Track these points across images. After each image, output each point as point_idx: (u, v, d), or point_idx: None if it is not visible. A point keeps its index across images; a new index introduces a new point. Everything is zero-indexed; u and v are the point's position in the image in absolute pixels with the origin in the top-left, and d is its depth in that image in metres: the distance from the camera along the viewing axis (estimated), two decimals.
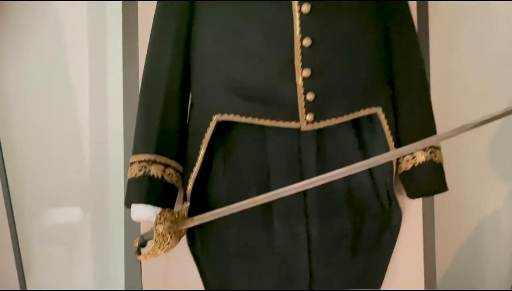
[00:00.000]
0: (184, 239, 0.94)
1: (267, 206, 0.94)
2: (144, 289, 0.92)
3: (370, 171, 0.97)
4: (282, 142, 0.94)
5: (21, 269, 0.91)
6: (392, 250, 1.00)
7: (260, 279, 0.97)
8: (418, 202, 1.03)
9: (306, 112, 0.87)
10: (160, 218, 0.84)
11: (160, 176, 0.88)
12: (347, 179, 0.96)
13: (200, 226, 0.94)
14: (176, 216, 0.87)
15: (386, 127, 0.93)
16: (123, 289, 0.95)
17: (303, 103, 0.87)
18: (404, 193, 0.99)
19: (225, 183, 0.94)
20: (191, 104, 0.95)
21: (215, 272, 0.97)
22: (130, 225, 0.96)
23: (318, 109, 0.88)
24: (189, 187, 0.91)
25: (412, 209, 1.03)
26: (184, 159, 0.93)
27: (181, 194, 0.94)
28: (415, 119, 0.95)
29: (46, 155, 1.14)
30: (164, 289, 0.97)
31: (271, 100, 0.88)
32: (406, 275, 1.03)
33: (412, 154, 0.94)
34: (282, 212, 0.95)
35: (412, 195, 0.97)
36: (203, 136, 0.90)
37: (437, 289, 1.05)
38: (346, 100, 0.90)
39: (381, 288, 1.00)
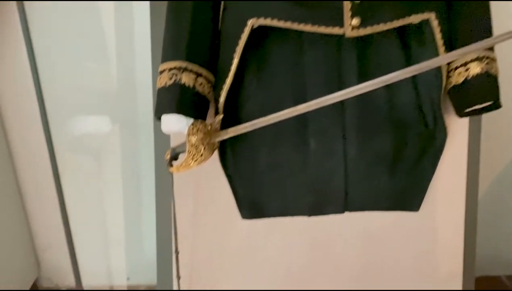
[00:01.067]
0: (216, 155, 0.90)
1: (303, 123, 0.89)
2: (175, 201, 0.91)
3: (415, 86, 0.90)
4: (321, 52, 0.86)
5: (57, 176, 0.89)
6: (433, 172, 0.95)
7: (293, 198, 0.94)
8: (465, 123, 0.96)
9: (352, 16, 0.79)
10: (193, 129, 0.80)
11: (192, 85, 0.82)
12: (390, 94, 0.89)
13: (232, 143, 0.90)
14: (209, 128, 0.83)
15: (438, 36, 0.84)
16: (154, 202, 0.93)
17: (349, 5, 0.78)
18: (450, 112, 0.92)
19: (259, 95, 0.88)
20: (224, 9, 0.87)
21: (247, 189, 0.94)
22: (160, 138, 0.92)
23: (365, 13, 0.79)
24: (222, 98, 0.85)
25: (457, 130, 0.96)
26: (215, 68, 0.87)
27: (212, 109, 0.89)
28: (472, 28, 0.86)
29: (75, 65, 1.09)
30: (195, 204, 0.95)
31: (313, 3, 0.79)
32: (446, 198, 0.99)
33: (465, 65, 0.85)
34: (319, 129, 0.90)
35: (460, 112, 0.90)
36: (236, 44, 0.83)
37: (478, 212, 1.01)
38: (396, 3, 0.81)
39: (420, 211, 0.97)
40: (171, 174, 0.88)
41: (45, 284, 1.72)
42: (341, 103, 0.88)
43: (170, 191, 0.89)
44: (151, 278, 1.53)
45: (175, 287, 0.96)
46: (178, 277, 0.93)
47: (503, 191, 1.32)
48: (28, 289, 1.61)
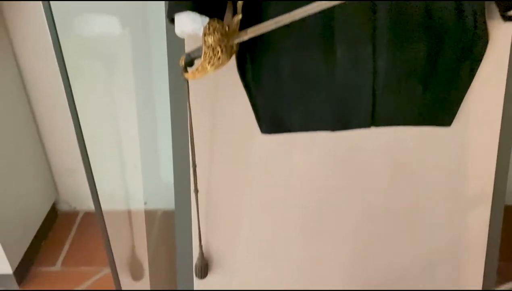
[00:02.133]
0: (234, 64, 0.84)
1: (330, 29, 0.81)
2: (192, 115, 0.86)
3: None
4: None
5: (68, 85, 0.84)
6: (470, 84, 0.88)
7: (317, 111, 0.88)
8: (509, 29, 0.87)
9: None
10: (209, 28, 0.73)
11: None
12: None
13: (252, 48, 0.83)
14: (227, 29, 0.76)
15: None
16: (169, 112, 0.88)
17: None
18: (493, 15, 0.83)
19: None
20: None
21: (267, 101, 0.88)
22: (173, 43, 0.85)
23: None
24: None
25: (500, 37, 0.87)
26: None
27: (229, 12, 0.81)
28: None
29: None
30: (212, 118, 0.90)
31: None
32: (482, 114, 0.92)
33: None
34: (347, 37, 0.82)
35: (505, 15, 0.80)
36: None
37: None
38: None
39: (451, 126, 0.90)
40: (187, 82, 0.82)
41: (63, 208, 1.74)
42: (372, 5, 0.80)
43: (186, 101, 0.84)
44: (168, 203, 1.53)
45: (193, 203, 0.94)
46: (196, 191, 0.91)
47: None
48: (46, 212, 1.63)
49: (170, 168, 0.94)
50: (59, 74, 0.83)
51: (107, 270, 1.47)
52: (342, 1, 0.68)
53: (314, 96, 0.87)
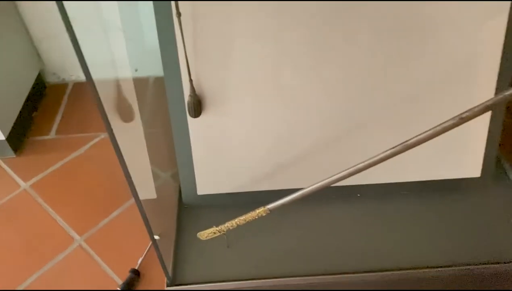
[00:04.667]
0: None
1: None
2: None
3: None
4: None
5: None
6: None
7: None
8: None
9: None
10: None
11: None
12: None
13: None
14: None
15: None
16: None
17: None
18: None
19: None
20: None
21: None
22: None
23: None
24: None
25: None
26: None
27: None
28: None
29: None
30: None
31: None
32: None
33: None
34: None
35: None
36: None
37: None
38: None
39: None
40: None
41: (52, 80, 1.67)
42: None
43: None
44: (159, 71, 1.46)
45: (177, 31, 0.84)
46: (179, 14, 0.81)
47: None
48: (33, 81, 1.56)
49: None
50: None
51: (103, 135, 1.44)
52: None
53: None
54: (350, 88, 0.93)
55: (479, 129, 0.99)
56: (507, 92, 0.67)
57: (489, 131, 0.99)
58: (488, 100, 0.68)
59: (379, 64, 0.90)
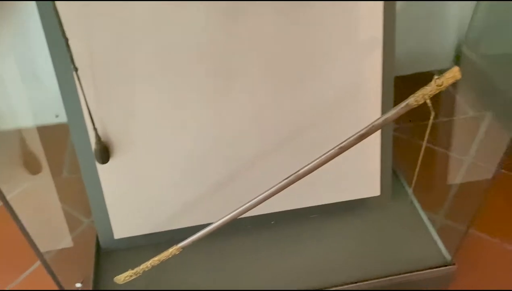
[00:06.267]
0: None
1: None
2: None
3: None
4: None
5: None
6: None
7: None
8: None
9: None
10: None
11: None
12: None
13: None
14: None
15: None
16: None
17: None
18: None
19: None
20: None
21: None
22: None
23: None
24: None
25: None
26: None
27: None
28: None
29: None
30: None
31: None
32: None
33: None
34: None
35: None
36: None
37: None
38: None
39: None
40: None
41: None
42: None
43: None
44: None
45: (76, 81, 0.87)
46: (75, 69, 0.84)
47: None
48: None
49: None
50: None
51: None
52: None
53: None
54: (248, 120, 0.99)
55: (371, 150, 1.09)
56: (376, 122, 0.75)
57: (382, 152, 1.09)
58: (361, 130, 0.76)
59: (271, 98, 0.97)
